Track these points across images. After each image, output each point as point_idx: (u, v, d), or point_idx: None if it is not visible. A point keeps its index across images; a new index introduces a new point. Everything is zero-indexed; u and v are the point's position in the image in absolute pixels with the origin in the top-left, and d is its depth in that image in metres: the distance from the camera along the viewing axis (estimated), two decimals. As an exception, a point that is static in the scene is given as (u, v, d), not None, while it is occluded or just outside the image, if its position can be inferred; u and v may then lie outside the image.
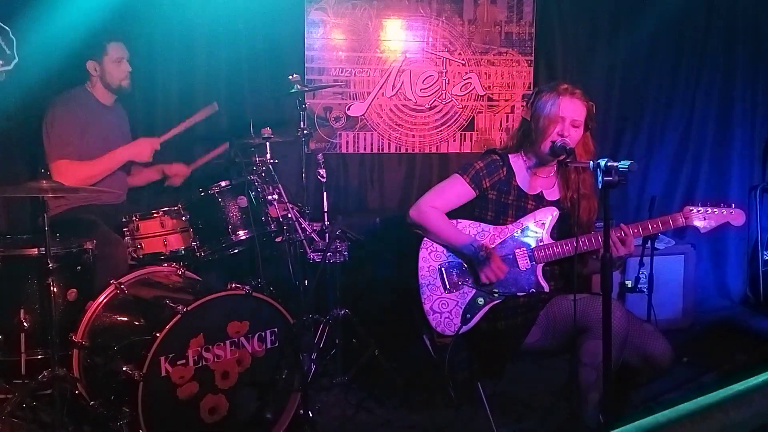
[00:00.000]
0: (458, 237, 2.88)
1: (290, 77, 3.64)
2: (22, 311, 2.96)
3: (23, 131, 3.90)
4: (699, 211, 2.86)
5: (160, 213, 3.36)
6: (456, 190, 2.96)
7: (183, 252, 3.38)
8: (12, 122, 3.84)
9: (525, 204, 2.94)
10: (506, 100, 4.99)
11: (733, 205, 2.89)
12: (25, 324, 2.96)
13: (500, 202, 2.94)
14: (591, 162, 2.34)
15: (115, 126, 3.83)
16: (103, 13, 3.83)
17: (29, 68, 3.73)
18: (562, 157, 2.78)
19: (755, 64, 5.14)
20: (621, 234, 2.78)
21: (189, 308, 2.68)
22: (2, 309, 2.99)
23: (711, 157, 5.22)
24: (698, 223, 2.86)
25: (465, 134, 4.97)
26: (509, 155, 2.98)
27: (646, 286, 4.04)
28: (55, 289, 2.85)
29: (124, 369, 2.62)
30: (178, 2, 4.25)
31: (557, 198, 2.99)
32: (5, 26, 2.44)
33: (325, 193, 3.75)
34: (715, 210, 2.87)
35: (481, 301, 2.85)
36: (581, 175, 2.88)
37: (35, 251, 2.99)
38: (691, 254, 4.58)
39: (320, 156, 3.71)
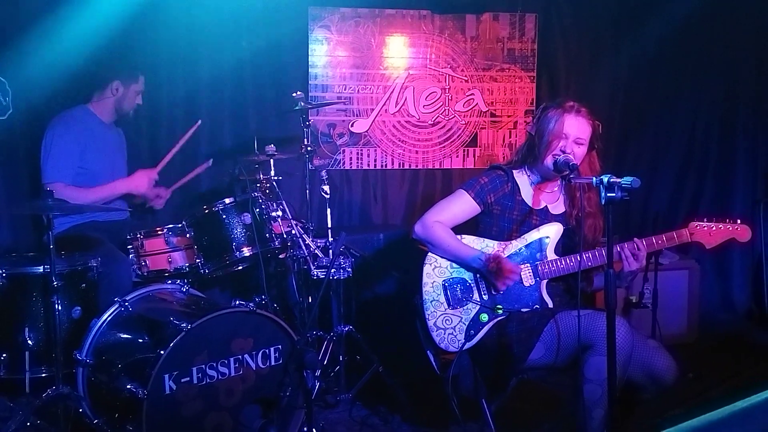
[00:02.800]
0: (465, 250, 2.88)
1: (294, 94, 3.66)
2: (26, 329, 2.96)
3: (28, 149, 3.93)
4: (704, 227, 2.85)
5: (165, 230, 3.37)
6: (461, 205, 2.96)
7: (187, 269, 3.38)
8: (17, 140, 3.87)
9: (530, 219, 2.94)
10: (509, 116, 5.01)
11: (739, 221, 2.87)
12: (29, 342, 2.96)
13: (505, 218, 2.95)
14: (594, 178, 2.35)
15: (115, 143, 3.90)
16: (112, 38, 3.90)
17: (33, 88, 3.81)
18: (565, 173, 2.78)
19: (758, 77, 5.14)
20: (634, 248, 2.78)
21: (193, 326, 2.68)
22: (7, 327, 2.99)
23: (714, 171, 5.22)
24: (703, 239, 2.85)
25: (468, 150, 4.98)
26: (513, 170, 2.99)
27: (650, 301, 4.03)
28: (60, 307, 2.87)
29: (128, 387, 2.62)
30: (181, 20, 4.28)
31: (562, 212, 3.00)
32: (2, 78, 2.50)
33: (328, 210, 3.75)
34: (720, 226, 2.85)
35: (485, 317, 2.84)
36: (587, 193, 2.88)
37: (40, 269, 2.99)
38: (696, 269, 4.57)
39: (324, 172, 3.72)
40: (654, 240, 2.82)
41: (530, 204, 2.96)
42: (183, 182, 4.01)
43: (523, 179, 2.98)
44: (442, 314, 2.86)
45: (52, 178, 3.53)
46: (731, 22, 5.07)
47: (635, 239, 2.80)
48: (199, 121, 3.94)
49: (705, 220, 2.87)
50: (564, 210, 3.01)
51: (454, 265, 2.92)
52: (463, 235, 2.94)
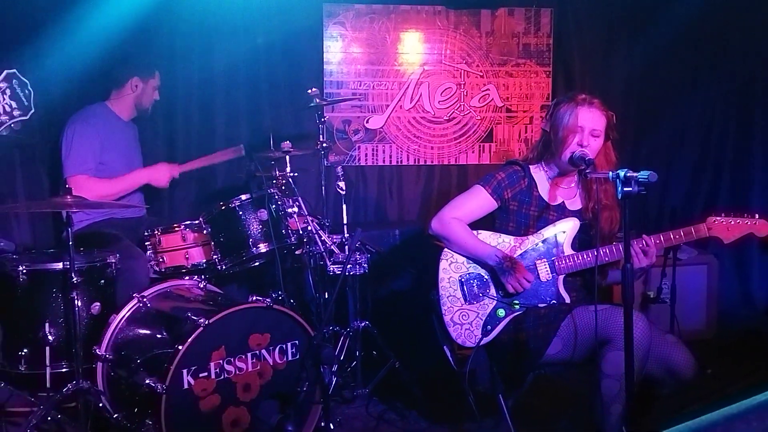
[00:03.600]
0: (481, 247, 2.88)
1: (309, 91, 3.66)
2: (46, 325, 2.99)
3: (47, 147, 3.97)
4: (722, 221, 2.83)
5: (182, 227, 3.39)
6: (478, 201, 2.96)
7: (204, 265, 3.40)
8: (36, 139, 3.91)
9: (547, 215, 2.93)
10: (525, 111, 4.99)
11: (757, 216, 2.85)
12: (49, 337, 2.99)
13: (522, 213, 2.94)
14: (611, 172, 2.34)
15: (131, 139, 3.95)
16: (127, 36, 3.95)
17: (51, 87, 3.86)
18: (582, 168, 2.77)
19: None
20: (643, 245, 2.77)
21: (210, 321, 2.69)
22: (27, 322, 3.03)
23: (732, 165, 5.16)
24: (721, 234, 2.83)
25: (483, 146, 4.97)
26: (530, 166, 2.98)
27: (668, 296, 4.00)
28: (79, 303, 2.89)
29: (147, 382, 2.64)
30: (196, 18, 4.32)
31: (579, 208, 2.99)
32: (24, 78, 2.54)
33: (344, 206, 3.75)
34: (738, 220, 2.82)
35: (501, 312, 2.84)
36: (603, 185, 2.87)
37: (59, 265, 3.02)
38: (714, 264, 4.53)
39: (339, 169, 3.72)
40: (672, 235, 2.80)
41: (547, 199, 2.95)
42: (190, 167, 3.94)
43: (540, 175, 2.97)
44: (458, 309, 2.86)
45: (75, 170, 3.57)
46: (746, 16, 5.01)
47: (644, 236, 2.79)
48: (242, 148, 3.90)
49: (723, 214, 2.84)
50: (581, 206, 2.99)
51: (471, 260, 2.92)
52: (480, 231, 2.94)
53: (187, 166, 3.88)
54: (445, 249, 2.94)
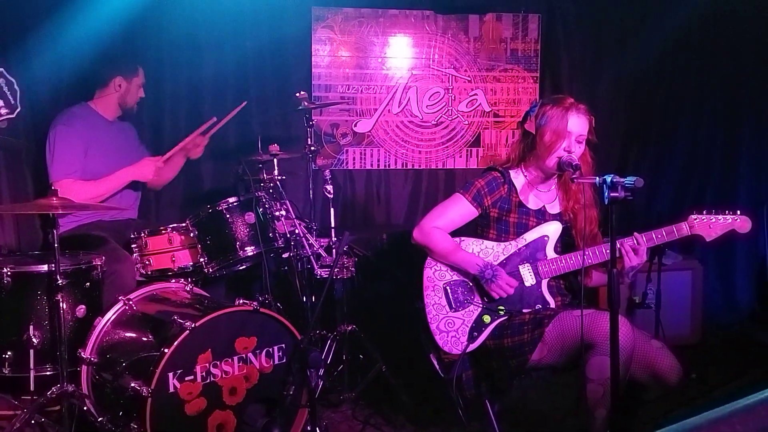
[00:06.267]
0: (462, 256, 2.89)
1: (297, 94, 3.66)
2: (31, 327, 2.97)
3: (33, 148, 3.95)
4: (704, 219, 2.84)
5: (168, 229, 3.38)
6: (458, 209, 2.96)
7: (191, 268, 3.39)
8: (22, 140, 3.89)
9: (527, 220, 2.94)
10: (512, 117, 5.01)
11: (739, 212, 2.85)
12: (34, 340, 2.96)
13: (502, 220, 2.95)
14: (597, 178, 2.35)
15: (120, 140, 3.89)
16: (115, 37, 3.93)
17: (39, 87, 3.83)
18: (568, 173, 2.78)
19: (763, 76, 5.11)
20: (634, 243, 2.78)
21: (197, 324, 2.68)
22: (12, 325, 3.00)
23: (719, 172, 5.19)
24: (703, 231, 2.84)
25: (471, 150, 4.99)
26: (510, 171, 2.98)
27: (653, 301, 4.01)
28: (64, 306, 2.87)
29: (132, 385, 2.62)
30: (185, 19, 4.31)
31: (559, 212, 2.99)
32: (11, 77, 2.52)
33: (332, 209, 3.75)
34: (720, 217, 2.83)
35: (487, 318, 2.84)
36: (581, 185, 2.89)
37: (45, 268, 3.01)
38: (699, 270, 4.56)
39: (327, 172, 3.72)
40: (654, 234, 2.81)
41: (527, 205, 2.95)
42: (220, 125, 4.01)
43: (519, 179, 2.97)
44: (444, 317, 2.86)
45: (60, 175, 3.54)
46: (736, 23, 5.05)
47: (635, 234, 2.80)
48: (215, 118, 3.95)
49: (704, 212, 2.85)
50: (560, 209, 3.00)
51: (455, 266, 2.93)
52: (463, 238, 2.95)
53: (168, 154, 3.84)
54: (429, 257, 2.95)
